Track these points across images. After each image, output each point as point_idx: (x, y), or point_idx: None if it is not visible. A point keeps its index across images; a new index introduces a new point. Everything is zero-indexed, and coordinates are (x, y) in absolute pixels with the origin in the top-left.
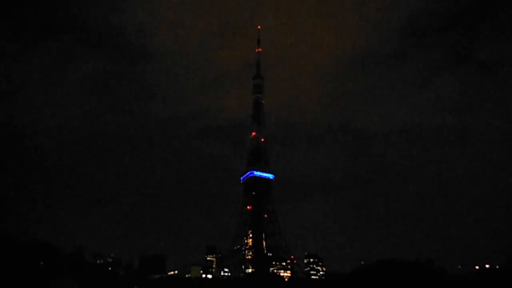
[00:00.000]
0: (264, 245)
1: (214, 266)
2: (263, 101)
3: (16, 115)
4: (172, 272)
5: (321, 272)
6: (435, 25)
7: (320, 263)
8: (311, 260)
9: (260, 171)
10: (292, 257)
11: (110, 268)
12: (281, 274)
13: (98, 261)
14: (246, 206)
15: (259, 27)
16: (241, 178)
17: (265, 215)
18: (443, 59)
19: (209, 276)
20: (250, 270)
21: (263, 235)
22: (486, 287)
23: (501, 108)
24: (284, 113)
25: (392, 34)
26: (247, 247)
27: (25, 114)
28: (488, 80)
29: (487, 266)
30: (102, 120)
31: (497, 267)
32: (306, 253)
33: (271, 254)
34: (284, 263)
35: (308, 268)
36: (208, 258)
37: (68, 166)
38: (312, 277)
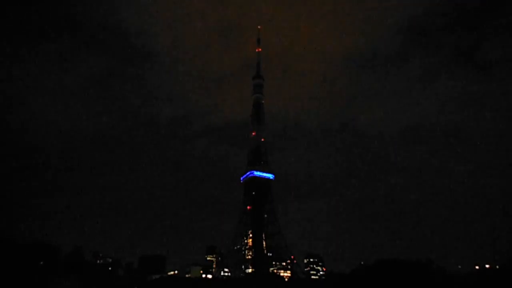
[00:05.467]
0: (264, 245)
1: (214, 266)
2: (263, 101)
3: (16, 115)
4: (172, 272)
5: (321, 272)
6: (437, 25)
7: (320, 263)
8: (311, 260)
9: (260, 171)
10: (292, 257)
11: (110, 268)
12: (281, 274)
13: (98, 261)
14: (246, 206)
15: (259, 27)
16: (241, 178)
17: (265, 215)
18: (444, 59)
19: (209, 276)
20: (250, 270)
21: (263, 235)
22: (486, 287)
23: (502, 108)
24: (284, 113)
25: (393, 34)
26: (247, 247)
27: (25, 114)
28: (489, 80)
29: (487, 266)
30: (102, 121)
31: (497, 267)
32: (306, 253)
33: (271, 254)
34: (284, 263)
35: (308, 268)
36: (208, 258)
37: (68, 166)
38: (312, 277)
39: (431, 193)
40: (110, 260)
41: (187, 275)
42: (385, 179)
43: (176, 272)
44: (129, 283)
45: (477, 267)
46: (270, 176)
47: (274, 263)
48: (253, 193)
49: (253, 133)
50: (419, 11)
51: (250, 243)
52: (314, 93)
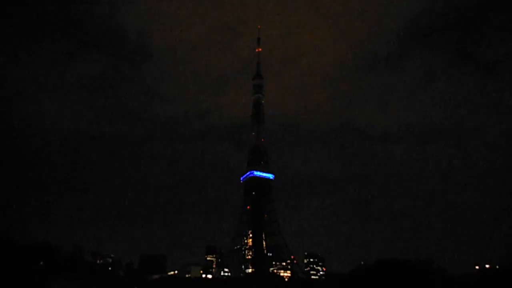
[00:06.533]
0: (264, 245)
1: (214, 266)
2: (263, 101)
3: (16, 115)
4: (172, 272)
5: (321, 272)
6: (437, 25)
7: (320, 263)
8: (311, 260)
9: (260, 171)
10: (292, 257)
11: (110, 268)
12: (281, 274)
13: (98, 261)
14: (246, 206)
15: (259, 27)
16: (241, 178)
17: (265, 215)
18: (444, 60)
19: (209, 276)
20: (250, 270)
21: (263, 235)
22: (486, 287)
23: (502, 108)
24: (284, 113)
25: (393, 34)
26: (247, 247)
27: (25, 114)
28: (489, 81)
29: (487, 266)
30: (102, 120)
31: (497, 267)
32: (306, 253)
33: (271, 254)
34: (284, 263)
35: (308, 268)
36: (208, 258)
37: (68, 166)
38: (312, 277)
39: (431, 193)
40: (110, 260)
41: (187, 275)
42: (385, 179)
43: (176, 272)
44: (129, 283)
45: (477, 267)
46: (270, 176)
47: (274, 263)
48: (253, 193)
49: (253, 133)
50: (419, 11)
51: (250, 243)
52: (314, 93)
